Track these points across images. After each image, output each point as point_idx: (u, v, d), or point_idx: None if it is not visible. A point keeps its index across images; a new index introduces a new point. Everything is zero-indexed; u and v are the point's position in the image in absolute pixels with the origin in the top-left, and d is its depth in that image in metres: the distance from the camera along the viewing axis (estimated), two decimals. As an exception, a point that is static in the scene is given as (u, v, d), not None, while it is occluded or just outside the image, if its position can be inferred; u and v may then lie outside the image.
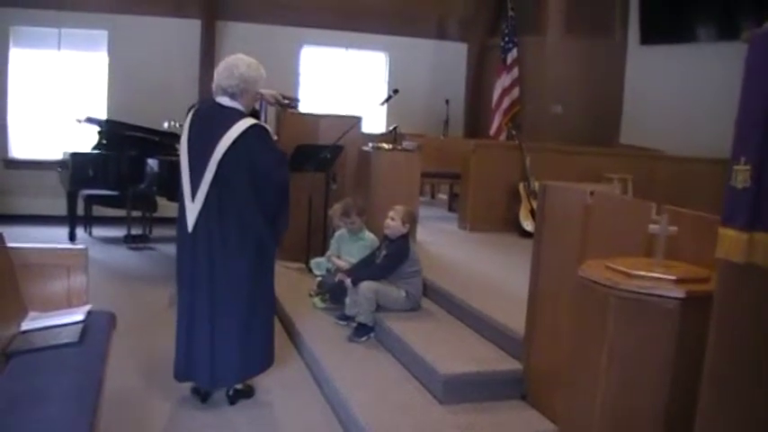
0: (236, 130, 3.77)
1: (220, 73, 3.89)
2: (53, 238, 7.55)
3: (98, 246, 8.07)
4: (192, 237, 3.83)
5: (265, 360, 4.14)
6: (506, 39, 10.38)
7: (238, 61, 3.91)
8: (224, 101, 3.88)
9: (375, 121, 9.82)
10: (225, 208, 3.79)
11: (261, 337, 4.07)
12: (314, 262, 5.94)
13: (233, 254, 3.85)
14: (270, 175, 3.86)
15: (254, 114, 4.37)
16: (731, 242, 2.09)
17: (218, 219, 3.80)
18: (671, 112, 9.00)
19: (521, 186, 7.59)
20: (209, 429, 3.82)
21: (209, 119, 3.87)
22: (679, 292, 2.53)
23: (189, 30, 9.86)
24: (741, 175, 2.05)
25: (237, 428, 3.86)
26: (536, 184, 7.12)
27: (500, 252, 6.74)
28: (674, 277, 2.59)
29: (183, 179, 3.86)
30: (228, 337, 3.90)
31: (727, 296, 2.20)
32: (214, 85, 3.93)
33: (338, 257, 5.52)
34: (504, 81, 10.43)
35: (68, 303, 3.83)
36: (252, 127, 3.81)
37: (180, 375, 4.01)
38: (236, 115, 3.86)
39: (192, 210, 3.81)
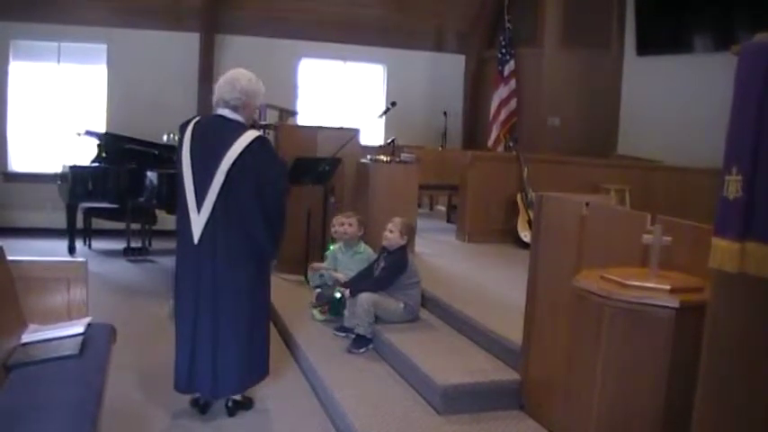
0: (243, 141, 3.82)
1: (222, 86, 3.94)
2: (52, 251, 7.57)
3: (97, 258, 8.08)
4: (197, 248, 3.85)
5: (263, 370, 4.18)
6: (504, 51, 10.44)
7: (239, 75, 3.96)
8: (226, 113, 3.93)
9: (373, 134, 9.86)
10: (230, 219, 3.83)
11: (259, 348, 4.12)
12: (311, 273, 5.94)
13: (236, 265, 3.89)
14: (274, 185, 3.93)
15: (253, 126, 4.41)
16: (724, 252, 2.11)
17: (224, 230, 3.84)
18: (668, 122, 9.04)
19: (518, 197, 7.61)
20: (208, 441, 3.84)
21: (212, 131, 3.91)
22: (673, 302, 2.55)
23: (188, 43, 9.92)
24: (733, 186, 2.08)
25: (236, 440, 3.87)
26: (533, 195, 7.14)
27: (498, 263, 6.76)
28: (668, 287, 2.61)
29: (186, 191, 3.86)
30: (230, 348, 3.93)
31: (721, 305, 2.22)
32: (215, 98, 3.97)
33: (335, 270, 5.54)
34: (501, 93, 10.47)
35: (68, 316, 3.84)
36: (257, 139, 3.88)
37: (182, 386, 4.01)
38: (240, 127, 3.92)
39: (198, 221, 3.83)
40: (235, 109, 3.93)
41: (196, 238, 3.84)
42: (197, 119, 4.02)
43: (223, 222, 3.83)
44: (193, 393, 4.05)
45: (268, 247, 3.98)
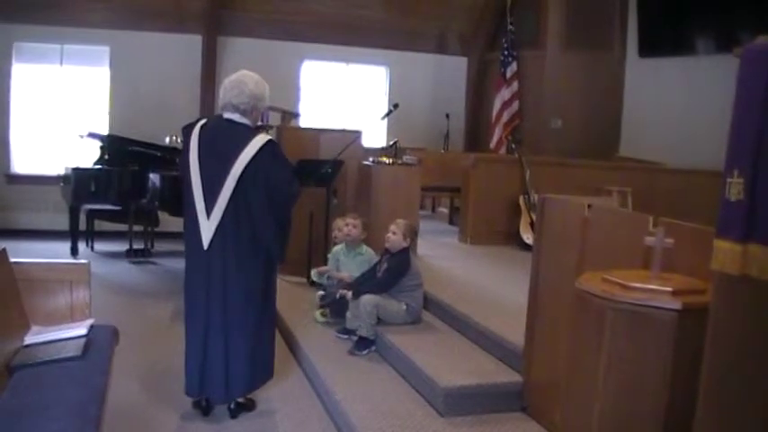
0: (254, 146, 3.82)
1: (229, 90, 3.92)
2: (55, 253, 7.58)
3: (100, 260, 8.09)
4: (207, 254, 3.85)
5: (268, 372, 4.21)
6: (506, 53, 10.44)
7: (246, 78, 3.95)
8: (235, 117, 3.92)
9: (376, 136, 9.85)
10: (241, 224, 3.84)
11: (266, 349, 4.15)
12: (314, 271, 5.93)
13: (246, 269, 3.90)
14: (284, 189, 3.93)
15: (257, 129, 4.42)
16: (726, 254, 2.11)
17: (234, 235, 3.84)
18: (670, 124, 9.03)
19: (521, 199, 7.61)
20: (210, 443, 3.84)
21: (221, 135, 3.90)
22: (675, 304, 2.55)
23: (190, 45, 9.93)
24: (734, 188, 2.08)
25: (239, 442, 3.88)
26: (536, 197, 7.15)
27: (500, 265, 6.76)
28: (670, 289, 2.61)
29: (194, 196, 3.85)
30: (241, 351, 3.95)
31: (723, 307, 2.22)
32: (222, 102, 3.95)
33: (337, 271, 5.55)
34: (503, 95, 10.47)
35: (71, 318, 3.85)
36: (268, 143, 3.88)
37: (194, 393, 4.02)
38: (249, 132, 3.92)
39: (208, 227, 3.83)
40: (243, 113, 3.92)
41: (206, 244, 3.84)
42: (202, 122, 4.00)
43: (233, 227, 3.83)
44: (204, 397, 4.06)
45: (277, 249, 4.00)
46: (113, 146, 8.04)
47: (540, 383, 3.87)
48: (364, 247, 5.63)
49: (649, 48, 9.57)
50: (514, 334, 4.24)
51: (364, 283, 5.15)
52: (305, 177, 6.06)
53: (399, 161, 7.03)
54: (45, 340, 3.47)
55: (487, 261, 6.95)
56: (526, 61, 10.44)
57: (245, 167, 3.78)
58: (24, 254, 4.03)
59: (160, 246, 8.70)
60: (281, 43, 10.33)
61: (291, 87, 10.47)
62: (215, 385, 3.95)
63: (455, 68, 11.48)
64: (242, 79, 3.94)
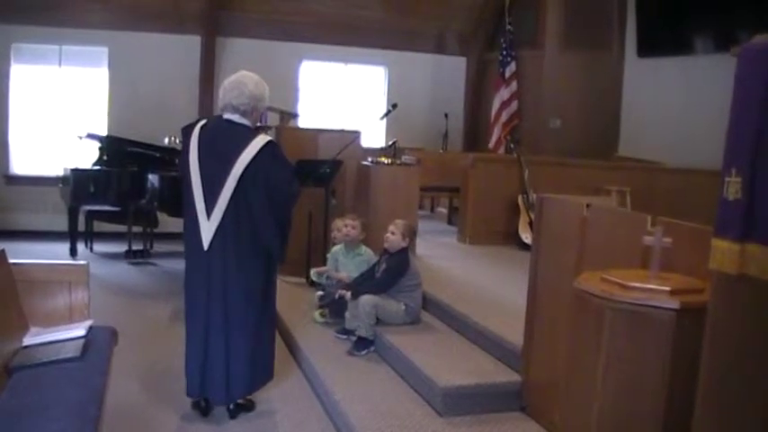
0: (255, 146, 3.82)
1: (229, 91, 3.92)
2: (54, 254, 7.58)
3: (99, 261, 8.09)
4: (208, 254, 3.85)
5: (269, 373, 4.21)
6: (505, 53, 10.44)
7: (246, 79, 3.95)
8: (234, 118, 3.93)
9: (374, 136, 9.84)
10: (241, 224, 3.84)
11: (266, 350, 4.15)
12: (314, 271, 5.93)
13: (246, 269, 3.90)
14: (284, 189, 3.93)
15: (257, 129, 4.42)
16: (724, 253, 2.11)
17: (235, 235, 3.84)
18: (669, 124, 9.03)
19: (519, 199, 7.61)
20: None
21: (221, 136, 3.91)
22: (674, 304, 2.55)
23: (189, 46, 9.92)
24: (732, 187, 2.08)
25: (238, 442, 3.88)
26: (534, 197, 7.15)
27: (499, 265, 6.76)
28: (668, 288, 2.61)
29: (194, 196, 3.86)
30: (241, 352, 3.95)
31: (721, 307, 2.22)
32: (222, 103, 3.96)
33: (336, 271, 5.55)
34: (502, 94, 10.47)
35: (70, 319, 3.85)
36: (268, 144, 3.89)
37: (194, 393, 4.02)
38: (249, 132, 3.93)
39: (208, 228, 3.84)
40: (243, 114, 3.93)
41: (206, 245, 3.84)
42: (202, 122, 4.01)
43: (233, 227, 3.83)
44: (203, 398, 4.06)
45: (277, 249, 4.00)
46: (112, 147, 8.04)
47: (539, 383, 3.87)
48: (363, 248, 5.63)
49: (648, 47, 9.57)
50: (513, 334, 4.24)
51: (363, 284, 5.15)
52: (303, 177, 6.06)
53: (398, 161, 7.03)
54: (44, 341, 3.47)
55: (486, 261, 6.95)
56: (525, 61, 10.44)
57: (246, 168, 3.79)
58: (23, 255, 4.02)
59: (159, 247, 8.69)
60: (280, 43, 10.32)
61: (290, 88, 10.46)
62: (216, 386, 3.95)
63: (454, 68, 11.47)
64: (242, 80, 3.94)
